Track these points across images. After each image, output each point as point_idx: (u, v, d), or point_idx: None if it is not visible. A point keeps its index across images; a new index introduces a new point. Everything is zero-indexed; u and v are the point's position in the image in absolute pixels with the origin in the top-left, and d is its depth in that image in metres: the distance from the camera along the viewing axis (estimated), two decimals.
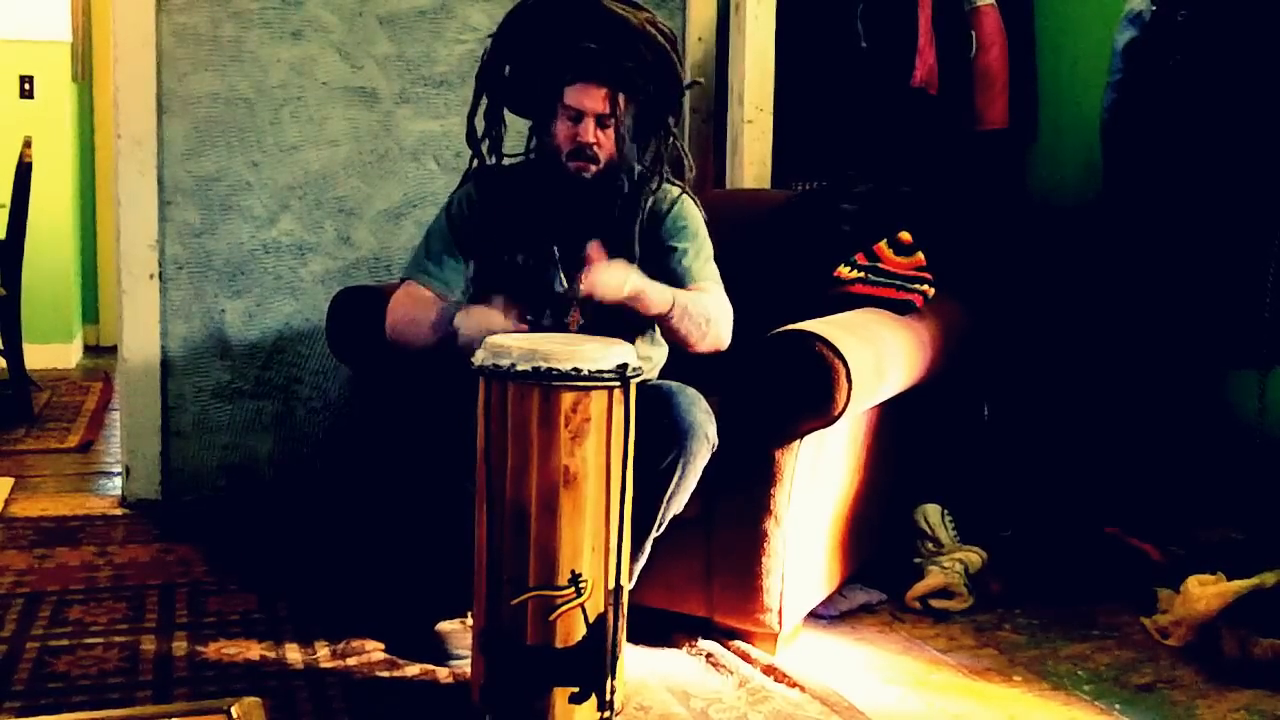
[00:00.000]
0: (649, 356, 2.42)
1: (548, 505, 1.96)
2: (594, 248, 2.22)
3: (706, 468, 2.21)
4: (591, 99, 2.31)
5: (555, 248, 2.42)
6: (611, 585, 2.02)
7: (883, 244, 2.74)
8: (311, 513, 3.21)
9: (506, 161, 2.49)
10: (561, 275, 2.42)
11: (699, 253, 2.43)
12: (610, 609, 2.01)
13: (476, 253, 2.44)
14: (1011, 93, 3.49)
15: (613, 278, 2.19)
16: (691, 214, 2.47)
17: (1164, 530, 2.85)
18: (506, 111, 2.49)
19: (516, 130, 2.54)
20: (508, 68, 2.44)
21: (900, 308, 2.61)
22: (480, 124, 2.47)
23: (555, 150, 2.36)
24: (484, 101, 2.46)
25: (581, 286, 2.18)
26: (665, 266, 2.39)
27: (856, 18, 3.37)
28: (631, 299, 2.22)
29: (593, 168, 2.34)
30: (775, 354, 2.24)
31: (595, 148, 2.33)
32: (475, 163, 2.49)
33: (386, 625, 2.41)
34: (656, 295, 2.24)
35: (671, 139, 2.44)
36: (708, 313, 2.31)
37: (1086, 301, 3.17)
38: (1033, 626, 2.58)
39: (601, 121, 2.32)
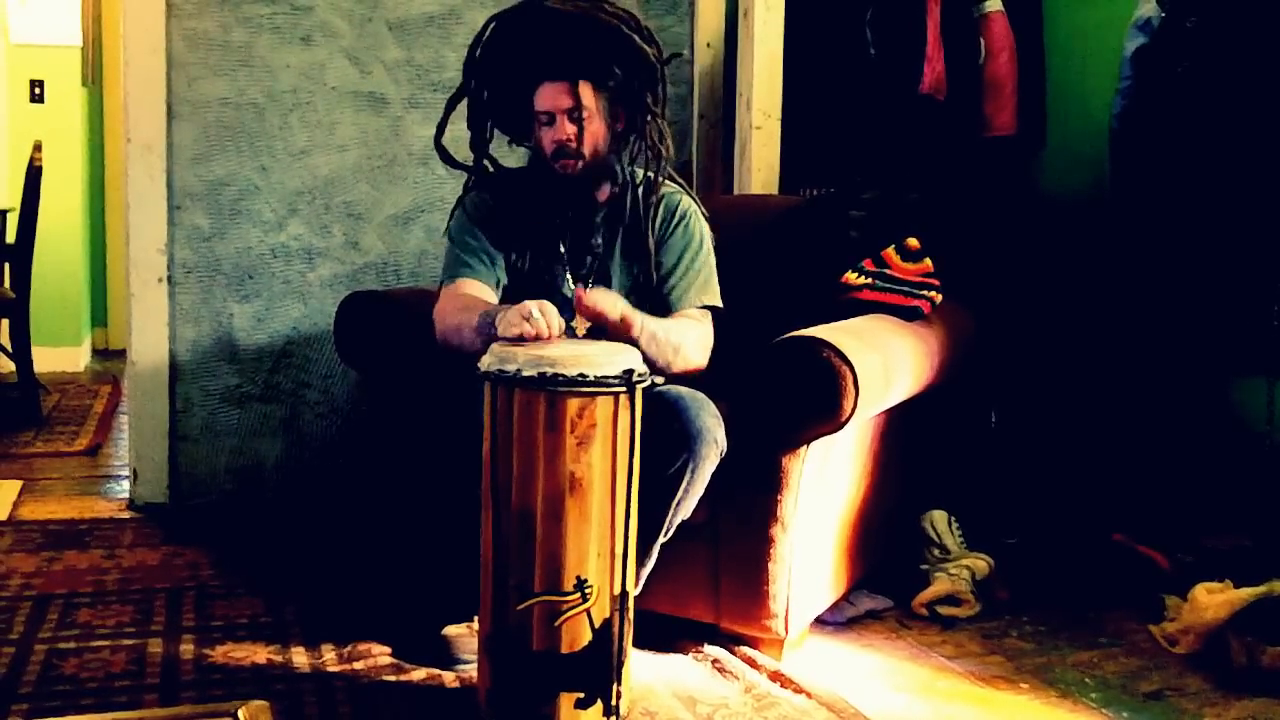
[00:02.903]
0: None
1: (554, 511, 1.96)
2: (579, 290, 2.23)
3: (714, 473, 2.21)
4: (553, 96, 2.35)
5: (562, 247, 2.43)
6: (617, 591, 2.02)
7: (890, 250, 2.74)
8: (319, 517, 3.21)
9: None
10: (569, 275, 2.43)
11: (695, 278, 2.45)
12: (616, 614, 2.01)
13: (498, 246, 2.46)
14: (1020, 99, 3.49)
15: (608, 299, 2.20)
16: (697, 232, 2.48)
17: (1172, 537, 2.84)
18: (503, 137, 2.52)
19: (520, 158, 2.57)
20: (486, 93, 2.48)
21: (908, 314, 2.61)
22: (465, 150, 2.49)
23: (543, 158, 2.40)
24: (454, 125, 2.48)
25: (584, 302, 2.17)
26: (657, 281, 2.41)
27: (865, 24, 3.37)
28: (623, 320, 2.21)
29: (577, 164, 2.37)
30: (783, 360, 2.24)
31: (572, 143, 2.35)
32: (470, 181, 2.51)
33: (393, 629, 2.41)
34: (635, 321, 2.23)
35: (652, 117, 2.42)
36: (677, 342, 2.31)
37: (1095, 308, 3.16)
38: (1040, 633, 2.58)
39: (571, 116, 2.35)
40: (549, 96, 2.35)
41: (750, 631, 2.37)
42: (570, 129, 2.35)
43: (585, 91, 2.35)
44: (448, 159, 2.50)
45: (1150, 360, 3.04)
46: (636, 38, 2.37)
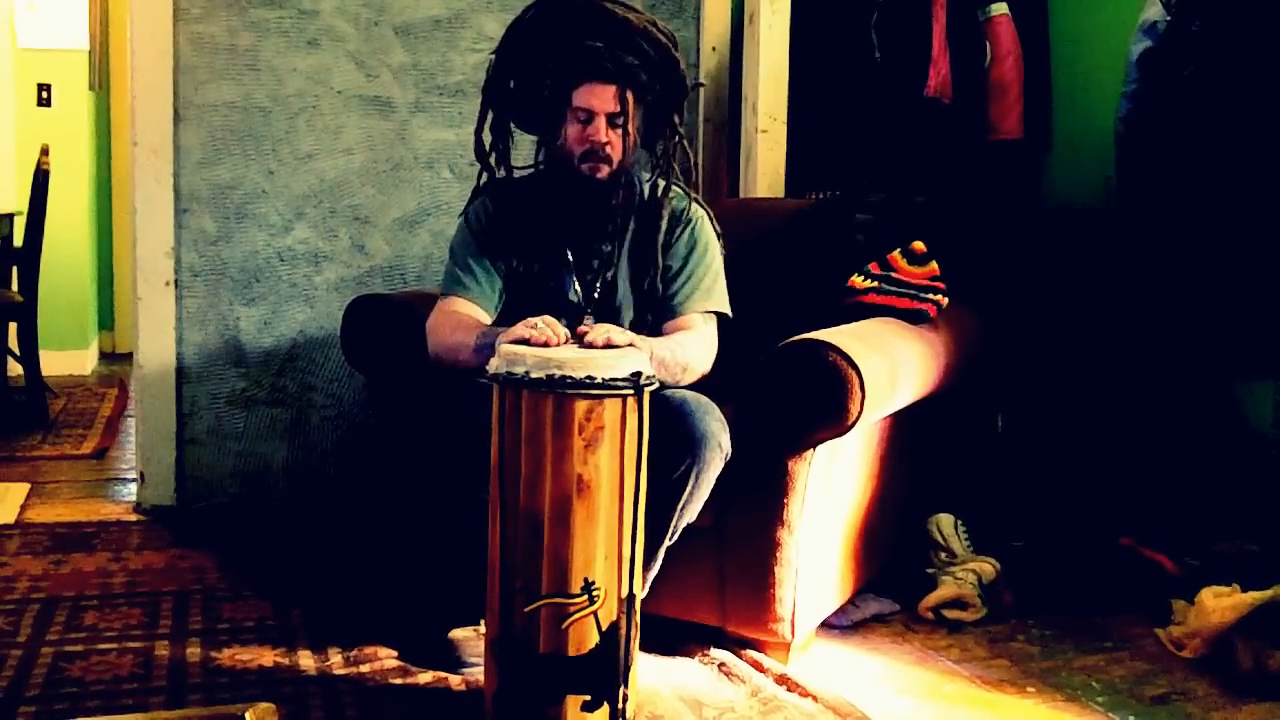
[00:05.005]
0: None
1: (561, 513, 1.96)
2: (583, 329, 2.19)
3: (719, 477, 2.22)
4: (600, 98, 2.33)
5: (569, 254, 2.43)
6: (624, 594, 2.02)
7: (896, 253, 2.74)
8: (325, 520, 3.22)
9: (516, 174, 2.51)
10: (575, 282, 2.43)
11: (699, 282, 2.45)
12: (623, 617, 2.01)
13: (498, 261, 2.45)
14: (1026, 102, 3.49)
15: (615, 330, 2.16)
16: (705, 237, 2.48)
17: (1179, 541, 2.84)
18: (513, 128, 2.50)
19: (523, 151, 2.55)
20: (513, 82, 2.45)
21: (914, 317, 2.61)
22: (487, 138, 2.48)
23: (567, 155, 2.37)
24: (490, 116, 2.47)
25: (590, 338, 2.11)
26: (664, 286, 2.41)
27: (870, 28, 3.37)
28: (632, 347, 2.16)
29: (605, 168, 2.36)
30: (789, 363, 2.24)
31: (607, 148, 2.34)
32: (484, 177, 2.50)
33: (399, 632, 2.41)
34: (644, 349, 2.17)
35: (678, 139, 2.44)
36: (685, 360, 2.31)
37: (1101, 312, 3.16)
38: (1046, 637, 2.57)
39: (612, 121, 2.34)
40: (597, 97, 2.32)
41: (756, 635, 2.37)
42: (611, 134, 2.34)
43: (630, 100, 2.33)
44: (481, 153, 2.47)
45: (1157, 364, 3.04)
46: (680, 60, 2.39)
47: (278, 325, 3.36)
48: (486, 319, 2.39)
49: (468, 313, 2.38)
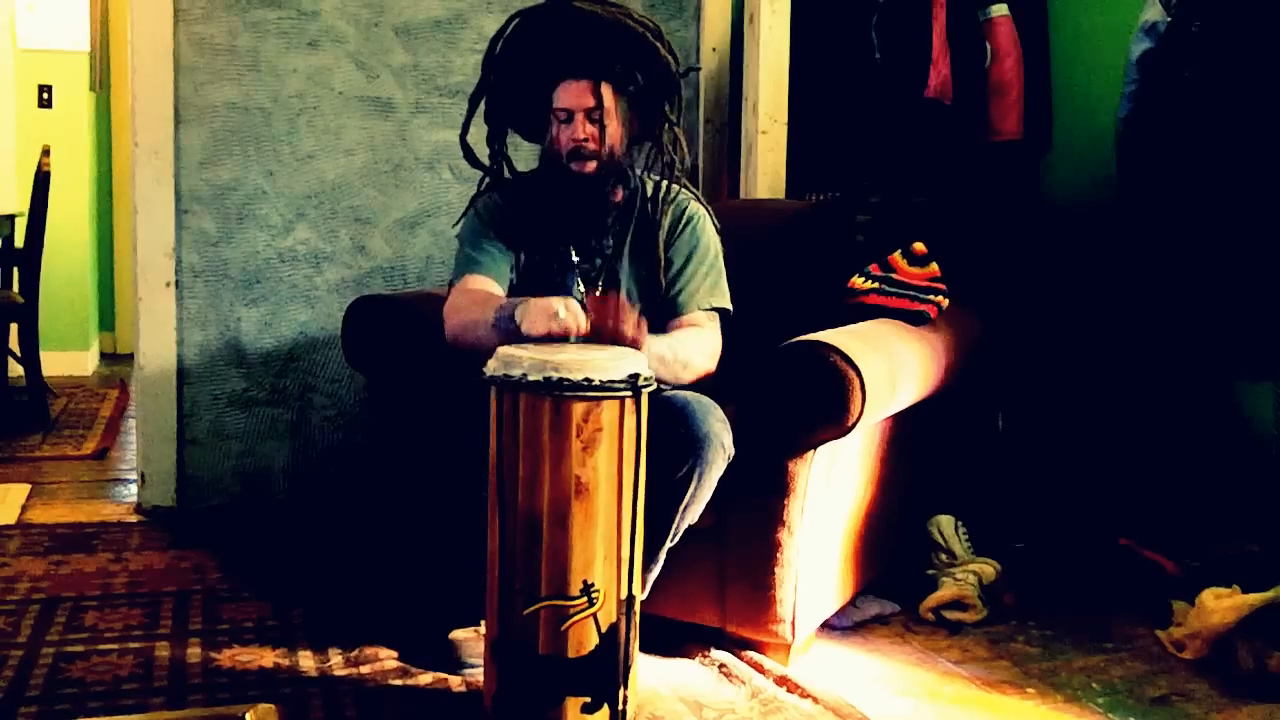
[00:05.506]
0: None
1: (560, 515, 1.96)
2: (613, 296, 2.22)
3: (720, 478, 2.22)
4: (575, 94, 2.36)
5: (571, 250, 2.44)
6: (624, 595, 2.02)
7: (897, 254, 2.74)
8: (325, 521, 3.22)
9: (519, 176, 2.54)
10: (578, 279, 2.43)
11: (703, 280, 2.46)
12: (623, 619, 2.02)
13: (507, 247, 2.47)
14: (1026, 103, 3.49)
15: (631, 314, 2.19)
16: (706, 234, 2.49)
17: (1179, 542, 2.84)
18: (516, 137, 2.53)
19: (524, 156, 2.57)
20: (503, 88, 2.49)
21: (914, 318, 2.61)
22: (482, 148, 2.51)
23: (556, 156, 2.41)
24: (483, 126, 2.49)
25: (613, 305, 2.15)
26: (668, 284, 2.42)
27: (871, 29, 3.37)
28: (634, 342, 2.17)
29: (592, 164, 2.38)
30: (789, 364, 2.24)
31: (589, 143, 2.37)
32: (485, 182, 2.52)
33: (400, 633, 2.41)
34: (644, 343, 2.19)
35: (668, 125, 2.44)
36: (685, 358, 2.33)
37: (1102, 312, 3.16)
38: (1046, 638, 2.57)
39: (590, 116, 2.36)
40: (571, 94, 2.36)
41: (756, 636, 2.37)
42: (590, 129, 2.36)
43: (607, 93, 2.36)
44: (471, 157, 2.51)
45: (1157, 365, 3.04)
46: (661, 47, 2.40)
47: (278, 326, 3.36)
48: (502, 294, 2.41)
49: (484, 289, 2.40)
